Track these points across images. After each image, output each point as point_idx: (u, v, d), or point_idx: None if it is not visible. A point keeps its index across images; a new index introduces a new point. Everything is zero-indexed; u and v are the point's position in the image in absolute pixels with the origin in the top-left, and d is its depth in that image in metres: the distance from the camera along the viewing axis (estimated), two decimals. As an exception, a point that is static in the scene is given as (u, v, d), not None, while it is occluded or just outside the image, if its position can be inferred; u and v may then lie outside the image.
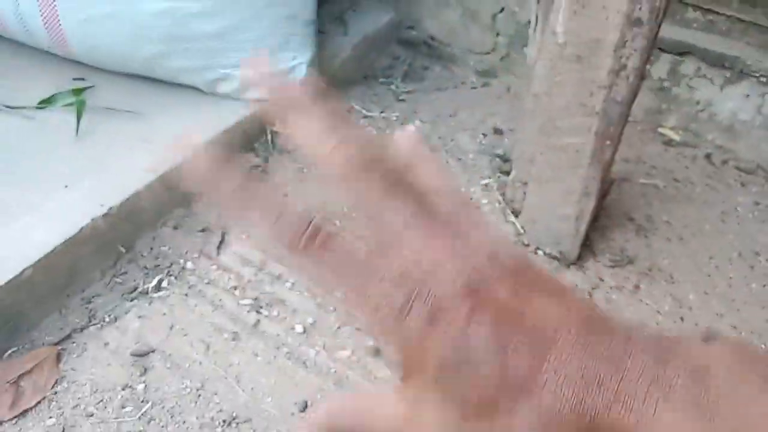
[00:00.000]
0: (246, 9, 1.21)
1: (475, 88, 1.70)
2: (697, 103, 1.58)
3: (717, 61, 1.49)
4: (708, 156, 1.58)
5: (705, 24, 1.54)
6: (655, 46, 1.26)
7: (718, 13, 1.50)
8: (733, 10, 1.48)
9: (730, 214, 1.40)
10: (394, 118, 1.51)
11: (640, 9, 0.90)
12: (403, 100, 1.61)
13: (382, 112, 1.53)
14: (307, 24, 1.32)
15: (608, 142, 1.05)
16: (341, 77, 1.60)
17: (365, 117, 1.51)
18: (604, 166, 1.08)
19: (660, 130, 1.64)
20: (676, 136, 1.62)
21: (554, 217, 1.16)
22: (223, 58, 1.26)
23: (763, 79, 1.47)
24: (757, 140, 1.57)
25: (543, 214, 1.18)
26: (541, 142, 1.10)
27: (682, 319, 1.12)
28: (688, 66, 1.53)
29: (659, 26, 0.95)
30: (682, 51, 1.51)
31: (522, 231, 1.22)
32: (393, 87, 1.66)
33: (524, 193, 1.20)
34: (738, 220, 1.38)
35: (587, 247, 1.25)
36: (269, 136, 1.35)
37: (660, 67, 1.56)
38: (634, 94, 1.00)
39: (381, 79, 1.69)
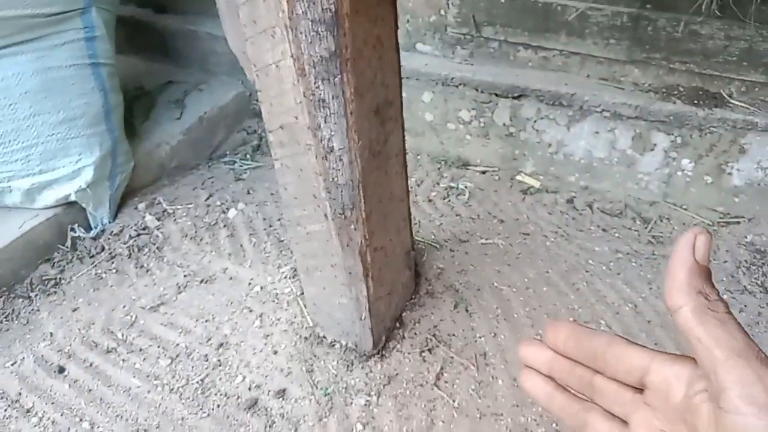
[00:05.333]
0: (5, 123, 1.16)
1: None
2: (549, 145, 1.44)
3: (553, 99, 1.35)
4: (571, 200, 1.43)
5: (540, 62, 1.41)
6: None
7: (548, 48, 1.38)
8: (562, 44, 1.36)
9: (577, 269, 1.24)
10: (218, 204, 1.43)
11: (318, 87, 0.80)
12: (242, 179, 1.54)
13: (207, 199, 1.45)
14: (92, 123, 1.27)
15: (353, 227, 0.94)
16: (172, 165, 1.53)
17: (185, 206, 1.42)
18: (360, 249, 0.96)
19: (518, 177, 1.50)
20: (535, 183, 1.48)
21: (333, 307, 1.05)
22: (-4, 172, 1.21)
23: (607, 114, 1.33)
24: (620, 178, 1.41)
25: (323, 306, 1.06)
26: (293, 232, 1.00)
27: (480, 416, 0.97)
28: (528, 109, 1.40)
29: (352, 103, 0.84)
30: (518, 95, 1.39)
31: (311, 324, 1.11)
32: (237, 165, 1.59)
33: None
34: (586, 276, 1.22)
35: (398, 329, 1.12)
36: (69, 242, 1.29)
37: (501, 114, 1.44)
38: (360, 174, 0.89)
39: (225, 159, 1.62)
